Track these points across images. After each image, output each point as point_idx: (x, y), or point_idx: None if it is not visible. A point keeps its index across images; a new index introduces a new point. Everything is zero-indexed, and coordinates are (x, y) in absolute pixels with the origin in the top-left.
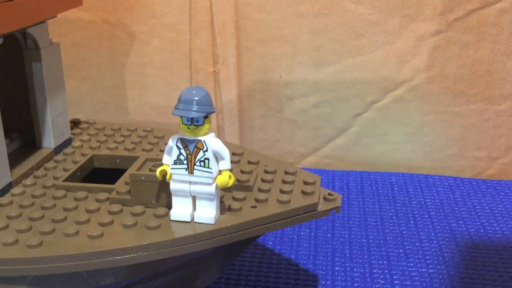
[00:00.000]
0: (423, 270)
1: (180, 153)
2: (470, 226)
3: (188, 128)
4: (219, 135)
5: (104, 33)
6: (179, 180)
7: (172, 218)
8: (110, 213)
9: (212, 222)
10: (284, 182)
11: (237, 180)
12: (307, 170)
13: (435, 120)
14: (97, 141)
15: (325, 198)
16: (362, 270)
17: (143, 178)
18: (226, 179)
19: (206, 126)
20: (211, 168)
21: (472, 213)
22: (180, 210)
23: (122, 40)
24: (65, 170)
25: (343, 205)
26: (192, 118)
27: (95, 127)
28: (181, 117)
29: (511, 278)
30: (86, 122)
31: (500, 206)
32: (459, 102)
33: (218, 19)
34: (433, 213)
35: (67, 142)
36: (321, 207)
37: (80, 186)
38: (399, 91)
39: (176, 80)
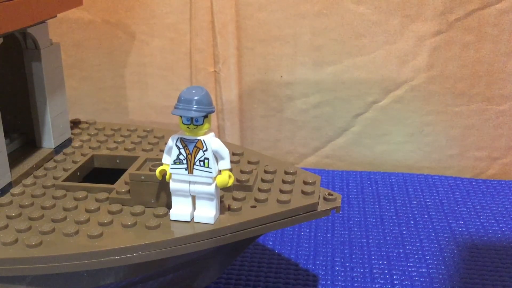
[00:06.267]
0: (423, 270)
1: (180, 153)
2: (470, 226)
3: (188, 127)
4: (220, 135)
5: (104, 33)
6: (178, 179)
7: (171, 218)
8: (110, 213)
9: (212, 222)
10: (284, 182)
11: (237, 180)
12: (307, 170)
13: (435, 120)
14: (97, 141)
15: (325, 198)
16: (362, 270)
17: (143, 178)
18: (226, 178)
19: (206, 125)
20: (210, 168)
21: (472, 213)
22: (179, 210)
23: (122, 40)
24: (65, 170)
25: (343, 205)
26: (191, 118)
27: (95, 127)
28: (180, 116)
29: (511, 278)
30: (86, 122)
31: (500, 206)
32: (459, 102)
33: (218, 19)
34: (433, 213)
35: (67, 142)
36: (321, 207)
37: (80, 186)
38: (399, 91)
39: (177, 80)
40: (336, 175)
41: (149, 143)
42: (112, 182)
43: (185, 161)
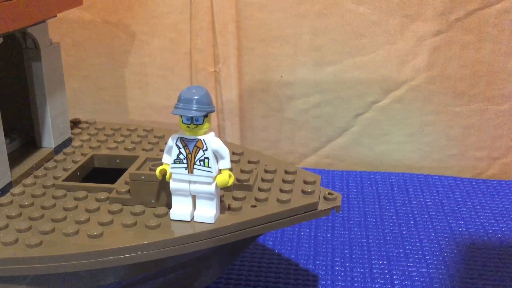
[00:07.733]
0: (423, 270)
1: (180, 152)
2: (470, 226)
3: (188, 127)
4: (220, 135)
5: (104, 33)
6: (179, 179)
7: (172, 217)
8: (110, 212)
9: (212, 221)
10: (284, 181)
11: (237, 180)
12: (307, 170)
13: (435, 120)
14: (97, 140)
15: (325, 198)
16: (362, 270)
17: (143, 177)
18: (226, 178)
19: (206, 125)
20: (211, 168)
21: (472, 213)
22: (180, 209)
23: (122, 40)
24: (65, 169)
25: (343, 205)
26: (191, 117)
27: (95, 127)
28: (181, 116)
29: (511, 278)
30: (86, 122)
31: (500, 206)
32: (459, 102)
33: (219, 19)
34: (433, 213)
35: (67, 142)
36: (321, 206)
37: (80, 185)
38: (399, 91)
39: (177, 80)
40: (336, 175)
41: (149, 143)
42: (112, 182)
43: (185, 161)
